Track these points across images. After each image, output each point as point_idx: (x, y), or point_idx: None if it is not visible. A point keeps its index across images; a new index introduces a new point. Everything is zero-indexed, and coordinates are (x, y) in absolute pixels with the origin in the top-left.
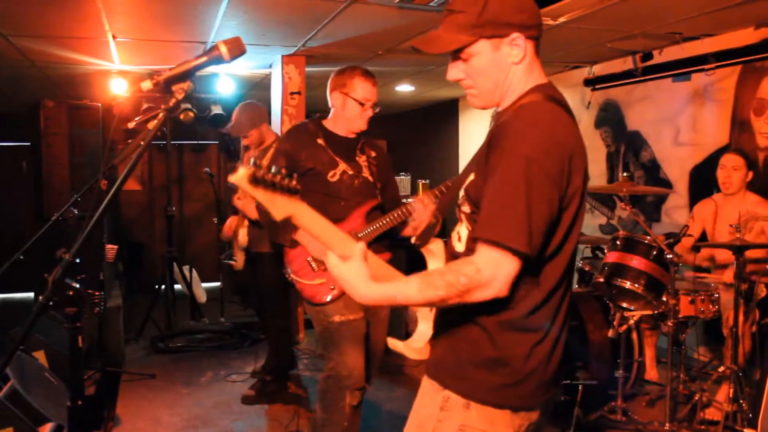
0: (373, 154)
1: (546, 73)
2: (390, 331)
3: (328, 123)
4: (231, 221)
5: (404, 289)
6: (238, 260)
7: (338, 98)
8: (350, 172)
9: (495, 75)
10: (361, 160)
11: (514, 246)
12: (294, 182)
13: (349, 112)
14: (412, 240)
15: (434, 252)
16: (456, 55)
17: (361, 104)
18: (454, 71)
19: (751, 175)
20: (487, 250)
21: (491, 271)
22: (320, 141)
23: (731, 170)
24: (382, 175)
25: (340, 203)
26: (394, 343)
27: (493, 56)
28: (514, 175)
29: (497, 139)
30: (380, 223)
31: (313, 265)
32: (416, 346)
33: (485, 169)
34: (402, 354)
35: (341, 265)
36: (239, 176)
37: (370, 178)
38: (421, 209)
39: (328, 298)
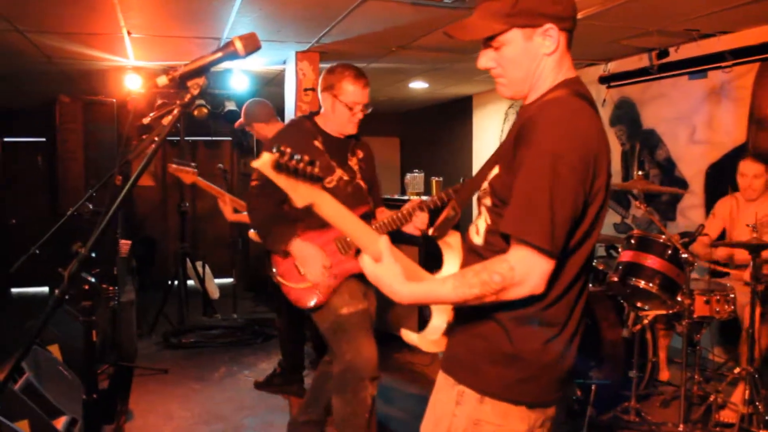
0: (361, 154)
1: None
2: (403, 323)
3: (320, 121)
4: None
5: (439, 287)
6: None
7: (327, 99)
8: (345, 178)
9: (526, 65)
10: (353, 162)
11: (540, 244)
12: (317, 170)
13: (338, 115)
14: (430, 232)
15: (452, 245)
16: (488, 43)
17: (350, 108)
18: (485, 59)
19: None
20: (519, 249)
21: (524, 268)
22: (317, 143)
23: (752, 179)
24: (369, 176)
25: None
26: (408, 335)
27: (524, 46)
28: (539, 172)
29: (524, 134)
30: (387, 221)
31: (300, 268)
32: (431, 338)
33: (512, 163)
34: (416, 346)
35: (376, 266)
36: (263, 162)
37: (362, 184)
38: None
39: (312, 303)
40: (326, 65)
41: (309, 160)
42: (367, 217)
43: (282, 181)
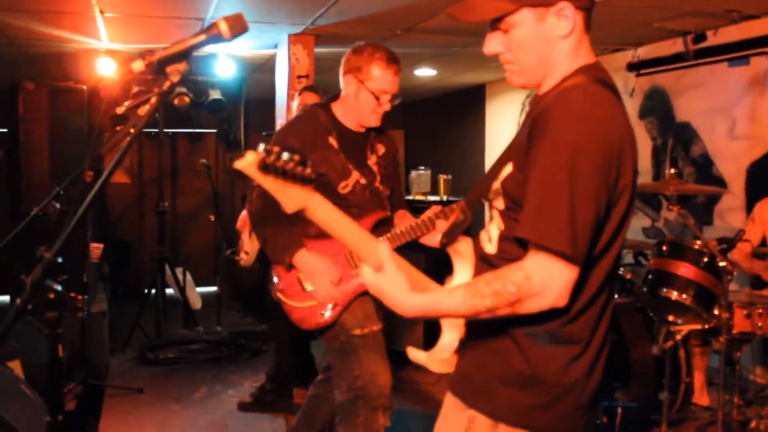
0: (382, 150)
1: None
2: (408, 340)
3: (338, 110)
4: (245, 214)
5: (447, 299)
6: (246, 256)
7: (352, 84)
8: (363, 182)
9: (538, 50)
10: (372, 161)
11: (561, 249)
12: (308, 170)
13: (361, 103)
14: (438, 239)
15: (462, 252)
16: (495, 25)
17: (377, 97)
18: (492, 43)
19: None
20: (536, 255)
21: (543, 278)
22: (332, 141)
23: None
24: (390, 175)
25: (352, 211)
26: (414, 354)
27: (537, 28)
28: (557, 169)
29: (539, 127)
30: (404, 230)
31: (305, 283)
32: (440, 357)
33: (525, 160)
34: (424, 366)
35: (378, 277)
36: (247, 162)
37: (381, 188)
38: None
39: (316, 323)
40: (322, 50)
41: (300, 159)
42: (384, 224)
43: (269, 183)
